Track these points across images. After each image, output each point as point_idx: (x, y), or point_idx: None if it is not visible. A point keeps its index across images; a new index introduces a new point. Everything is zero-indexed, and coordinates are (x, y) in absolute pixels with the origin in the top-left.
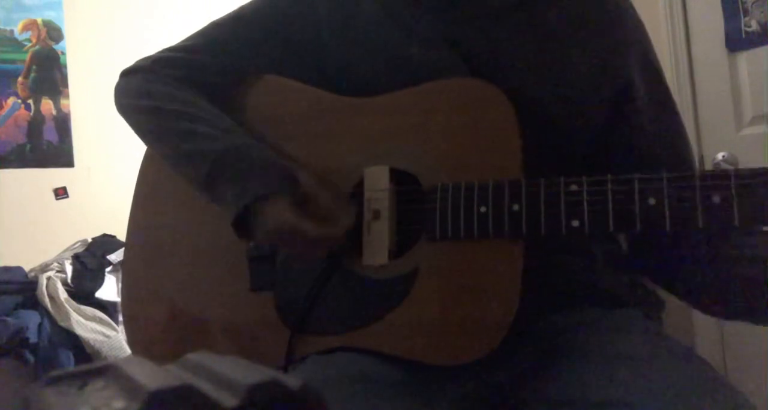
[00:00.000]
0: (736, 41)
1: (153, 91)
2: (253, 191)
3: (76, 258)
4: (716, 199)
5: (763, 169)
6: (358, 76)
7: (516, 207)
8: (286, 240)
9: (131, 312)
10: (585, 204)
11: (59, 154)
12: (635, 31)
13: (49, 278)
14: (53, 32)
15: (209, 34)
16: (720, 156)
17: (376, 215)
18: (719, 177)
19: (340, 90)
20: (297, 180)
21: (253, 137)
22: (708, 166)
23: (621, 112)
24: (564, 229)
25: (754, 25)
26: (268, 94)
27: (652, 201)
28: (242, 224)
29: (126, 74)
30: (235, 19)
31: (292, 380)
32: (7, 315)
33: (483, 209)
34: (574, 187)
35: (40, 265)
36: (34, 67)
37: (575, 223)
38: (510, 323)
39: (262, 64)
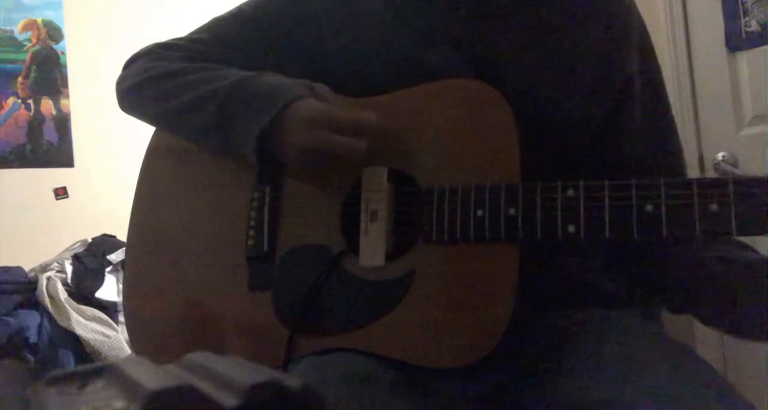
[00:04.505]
0: (736, 41)
1: (152, 67)
2: (281, 97)
3: (76, 258)
4: (714, 206)
5: (761, 176)
6: (359, 75)
7: (512, 211)
8: (318, 132)
9: (132, 310)
10: (581, 209)
11: (59, 154)
12: (636, 29)
13: (49, 278)
14: (53, 32)
15: (211, 29)
16: (720, 156)
17: (374, 216)
18: (717, 184)
19: (341, 89)
20: (314, 88)
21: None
22: (708, 166)
23: (618, 110)
24: (560, 234)
25: (754, 25)
26: None
27: (649, 207)
28: (263, 149)
29: (128, 66)
30: (236, 15)
31: (292, 380)
32: (7, 315)
33: (480, 213)
34: (571, 192)
35: (40, 265)
36: (34, 67)
37: (571, 229)
38: (506, 326)
39: (263, 61)
